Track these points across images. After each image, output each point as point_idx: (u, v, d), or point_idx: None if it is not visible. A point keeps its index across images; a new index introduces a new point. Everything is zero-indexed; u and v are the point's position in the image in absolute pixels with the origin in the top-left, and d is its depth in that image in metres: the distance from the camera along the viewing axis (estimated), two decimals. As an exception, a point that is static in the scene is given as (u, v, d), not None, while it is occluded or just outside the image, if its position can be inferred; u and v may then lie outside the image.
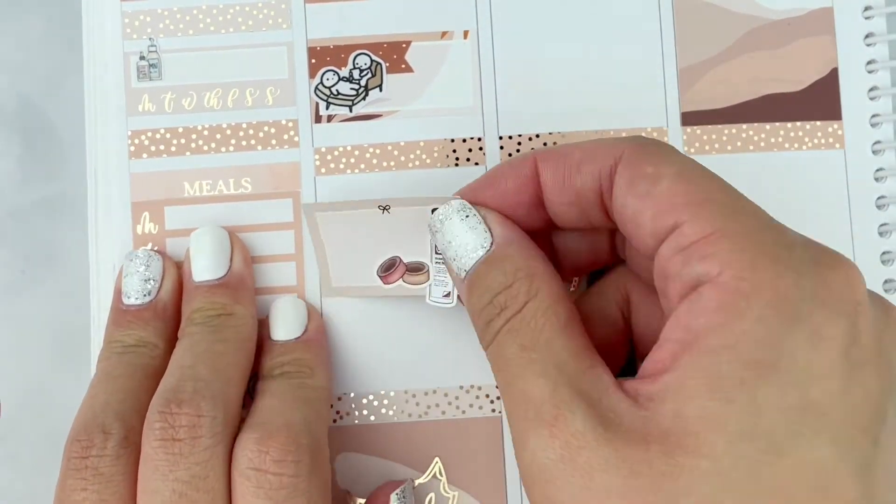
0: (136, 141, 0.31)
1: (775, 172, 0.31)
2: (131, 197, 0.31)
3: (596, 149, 0.24)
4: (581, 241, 0.27)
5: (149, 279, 0.29)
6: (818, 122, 0.32)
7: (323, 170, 0.31)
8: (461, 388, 0.30)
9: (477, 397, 0.30)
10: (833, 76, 0.32)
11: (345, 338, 0.30)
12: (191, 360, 0.26)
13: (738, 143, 0.32)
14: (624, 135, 0.31)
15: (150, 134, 0.31)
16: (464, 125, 0.31)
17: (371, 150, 0.31)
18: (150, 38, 0.31)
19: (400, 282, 0.29)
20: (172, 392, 0.25)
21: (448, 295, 0.28)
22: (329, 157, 0.31)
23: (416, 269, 0.28)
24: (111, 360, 0.28)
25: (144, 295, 0.29)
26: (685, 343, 0.21)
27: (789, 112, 0.32)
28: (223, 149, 0.31)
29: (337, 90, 0.31)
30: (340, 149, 0.31)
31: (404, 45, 0.31)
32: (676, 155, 0.23)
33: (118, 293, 0.29)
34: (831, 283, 0.21)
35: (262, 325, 0.30)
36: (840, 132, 0.32)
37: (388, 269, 0.29)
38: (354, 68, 0.31)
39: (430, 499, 0.30)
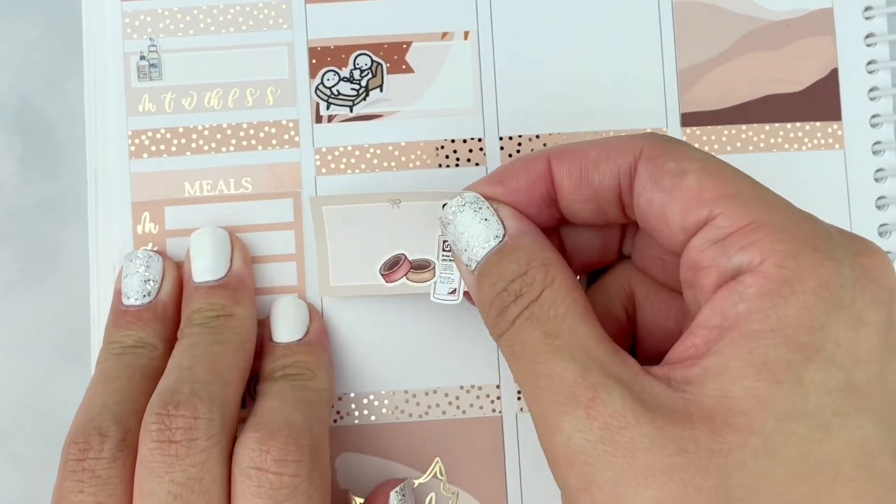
0: (137, 141, 0.31)
1: (775, 173, 0.31)
2: (131, 197, 0.31)
3: (613, 146, 0.24)
4: (593, 237, 0.27)
5: (149, 280, 0.29)
6: (818, 123, 0.32)
7: (323, 170, 0.31)
8: (462, 388, 0.30)
9: (477, 397, 0.30)
10: (833, 77, 0.32)
11: (345, 338, 0.30)
12: (189, 361, 0.26)
13: (738, 144, 0.32)
14: (624, 135, 0.31)
15: (150, 134, 0.31)
16: (464, 126, 0.31)
17: (371, 150, 0.31)
18: (150, 38, 0.31)
19: (403, 280, 0.29)
20: (170, 393, 0.25)
21: (454, 292, 0.28)
22: (329, 158, 0.31)
23: (421, 266, 0.28)
24: (109, 362, 0.28)
25: (144, 296, 0.29)
26: (723, 329, 0.21)
27: (789, 113, 0.32)
28: (223, 149, 0.31)
29: (337, 90, 0.31)
30: (341, 149, 0.31)
31: (405, 46, 0.31)
32: (696, 150, 0.24)
33: (118, 294, 0.29)
34: (870, 270, 0.21)
35: (263, 326, 0.30)
36: (840, 133, 0.32)
37: (392, 266, 0.29)
38: (355, 69, 0.31)
39: (431, 499, 0.30)
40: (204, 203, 0.31)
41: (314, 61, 0.31)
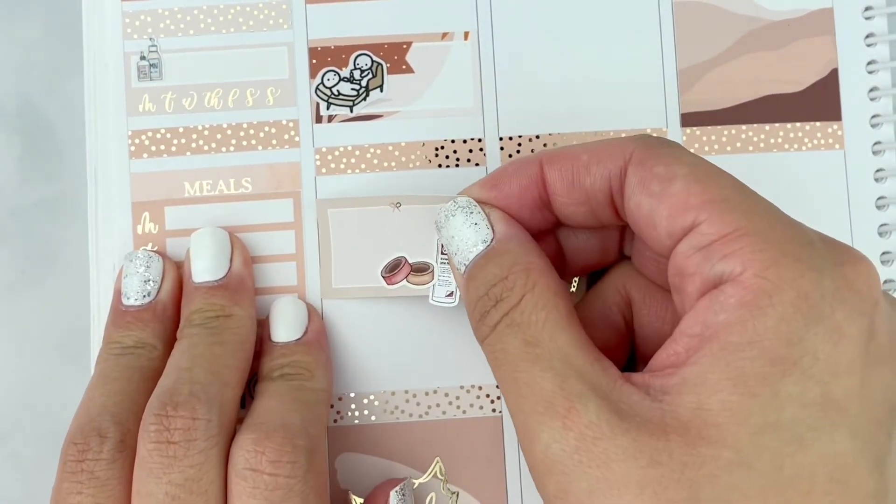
0: (137, 141, 0.31)
1: (775, 173, 0.31)
2: (131, 197, 0.31)
3: (604, 149, 0.24)
4: (590, 239, 0.27)
5: (149, 280, 0.29)
6: (818, 123, 0.32)
7: (323, 170, 0.31)
8: (462, 388, 0.30)
9: (478, 397, 0.30)
10: (833, 77, 0.32)
11: (345, 338, 0.30)
12: (188, 362, 0.26)
13: (738, 144, 0.32)
14: (624, 136, 0.31)
15: (150, 134, 0.31)
16: (464, 126, 0.31)
17: (372, 150, 0.31)
18: (150, 38, 0.31)
19: (404, 282, 0.29)
20: (168, 394, 0.25)
21: (451, 294, 0.28)
22: (330, 158, 0.31)
23: (421, 269, 0.29)
24: (109, 362, 0.28)
25: (144, 296, 0.29)
26: (703, 338, 0.21)
27: (789, 113, 0.32)
28: (224, 149, 0.31)
29: (338, 90, 0.31)
30: (341, 149, 0.31)
31: (405, 46, 0.31)
32: (686, 154, 0.23)
33: (118, 294, 0.29)
34: (852, 281, 0.21)
35: (262, 326, 0.30)
36: (840, 133, 0.32)
37: (393, 269, 0.29)
38: (355, 69, 0.31)
39: (431, 499, 0.30)
40: (204, 203, 0.31)
41: (314, 61, 0.31)
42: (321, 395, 0.28)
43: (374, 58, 0.31)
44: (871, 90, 0.32)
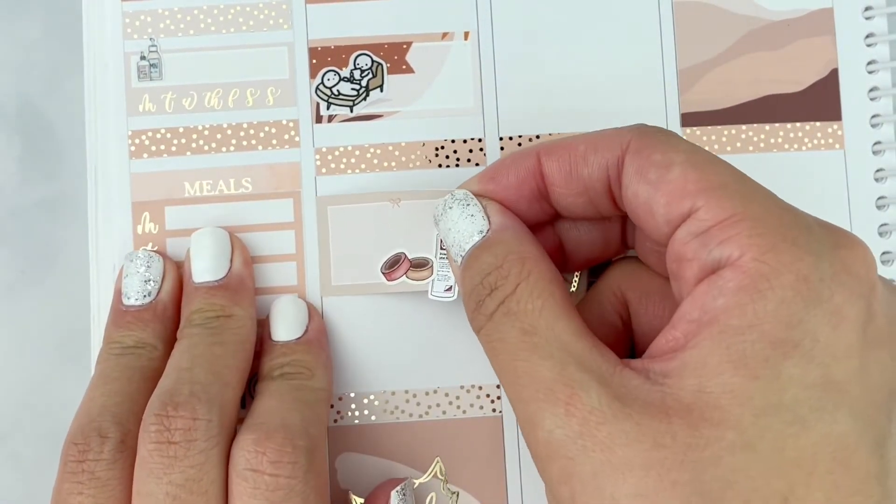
0: (137, 141, 0.31)
1: (775, 173, 0.31)
2: (131, 197, 0.31)
3: (601, 139, 0.25)
4: (591, 231, 0.27)
5: (149, 280, 0.29)
6: (818, 123, 0.32)
7: (324, 170, 0.31)
8: (462, 387, 0.30)
9: (478, 397, 0.30)
10: (833, 77, 0.32)
11: (346, 338, 0.30)
12: (188, 362, 0.26)
13: (738, 144, 0.32)
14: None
15: (150, 134, 0.31)
16: (464, 126, 0.31)
17: (372, 150, 0.31)
18: (150, 38, 0.31)
19: (403, 278, 0.29)
20: (169, 395, 0.25)
21: (450, 289, 0.28)
22: (330, 158, 0.31)
23: (420, 264, 0.29)
24: (109, 363, 0.28)
25: (144, 296, 0.29)
26: (701, 323, 0.21)
27: (789, 113, 0.32)
28: (224, 149, 0.31)
29: (338, 90, 0.31)
30: (341, 149, 0.31)
31: (405, 46, 0.31)
32: (683, 142, 0.24)
33: (118, 294, 0.29)
34: (850, 265, 0.21)
35: (262, 325, 0.30)
36: (840, 133, 0.32)
37: (393, 265, 0.29)
38: (355, 69, 0.31)
39: (431, 498, 0.30)
40: (204, 203, 0.31)
41: (314, 61, 0.31)
42: (321, 395, 0.28)
43: (375, 58, 0.31)
44: (871, 90, 0.32)
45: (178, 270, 0.30)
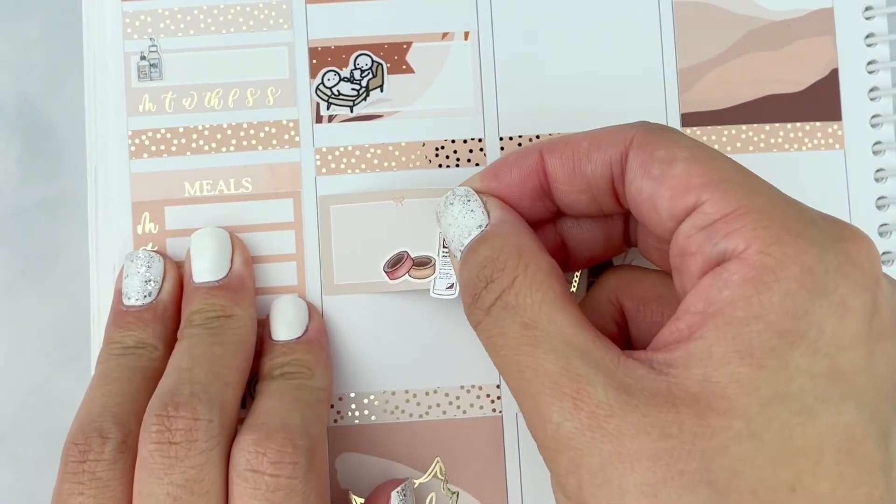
0: (137, 141, 0.31)
1: (775, 173, 0.31)
2: (131, 197, 0.31)
3: (604, 136, 0.25)
4: (594, 229, 0.27)
5: (149, 280, 0.29)
6: (818, 123, 0.32)
7: (324, 170, 0.31)
8: (462, 387, 0.30)
9: (478, 397, 0.30)
10: (833, 77, 0.32)
11: (346, 337, 0.30)
12: (189, 362, 0.26)
13: (738, 144, 0.32)
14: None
15: (150, 134, 0.31)
16: (464, 126, 0.31)
17: (372, 150, 0.31)
18: (150, 38, 0.31)
19: (406, 277, 0.29)
20: (169, 395, 0.25)
21: (451, 287, 0.28)
22: (330, 158, 0.31)
23: (423, 263, 0.29)
24: (109, 363, 0.28)
25: (145, 296, 0.29)
26: (706, 315, 0.21)
27: (789, 113, 0.32)
28: (224, 149, 0.31)
29: (338, 90, 0.31)
30: (341, 149, 0.31)
31: (405, 46, 0.31)
32: (686, 138, 0.24)
33: (118, 294, 0.29)
34: (854, 257, 0.21)
35: (263, 325, 0.30)
36: (840, 133, 0.32)
37: (396, 263, 0.29)
38: (355, 69, 0.31)
39: (431, 499, 0.30)
40: (204, 203, 0.31)
41: (314, 61, 0.31)
42: (321, 394, 0.28)
43: (375, 58, 0.31)
44: (871, 90, 0.32)
45: (178, 270, 0.30)
